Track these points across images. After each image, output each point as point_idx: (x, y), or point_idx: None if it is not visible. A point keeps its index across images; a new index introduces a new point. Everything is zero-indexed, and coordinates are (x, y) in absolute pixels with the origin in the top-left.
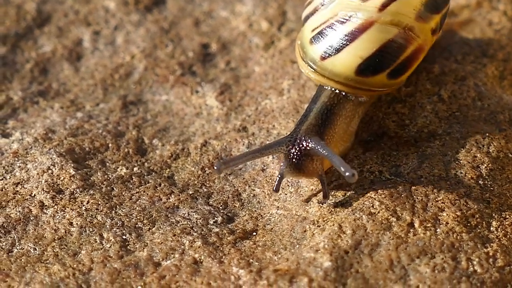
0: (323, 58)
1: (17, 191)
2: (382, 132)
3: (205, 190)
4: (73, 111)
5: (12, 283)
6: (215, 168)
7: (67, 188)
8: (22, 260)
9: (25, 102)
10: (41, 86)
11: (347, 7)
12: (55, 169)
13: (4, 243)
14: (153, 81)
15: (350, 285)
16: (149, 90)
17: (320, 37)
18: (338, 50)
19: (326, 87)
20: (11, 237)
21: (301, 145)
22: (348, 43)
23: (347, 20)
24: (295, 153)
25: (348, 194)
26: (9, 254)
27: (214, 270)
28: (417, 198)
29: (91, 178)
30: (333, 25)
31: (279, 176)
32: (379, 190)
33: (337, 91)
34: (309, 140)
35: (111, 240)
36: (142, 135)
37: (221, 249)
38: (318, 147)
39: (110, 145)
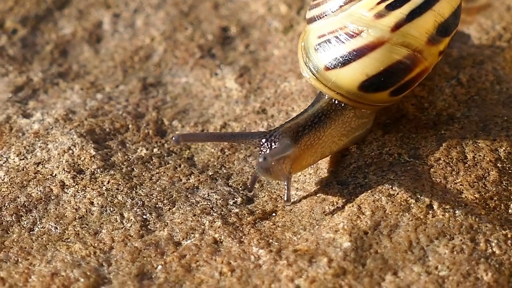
0: (327, 69)
1: (38, 170)
2: (401, 115)
3: (224, 171)
4: (93, 92)
5: (34, 261)
6: (173, 138)
7: (88, 168)
8: (43, 238)
9: (45, 84)
10: (61, 68)
11: (358, 21)
12: (76, 149)
13: (25, 222)
14: (172, 63)
15: (369, 265)
16: (169, 73)
17: (326, 46)
18: (344, 64)
19: (325, 96)
20: (32, 216)
21: (271, 144)
22: (355, 58)
23: (357, 34)
24: (263, 151)
25: (367, 176)
26: (30, 232)
27: (234, 250)
28: (436, 180)
29: (112, 158)
30: (342, 37)
31: (253, 175)
32: (398, 172)
33: (335, 101)
34: (277, 141)
35: (131, 219)
36: (161, 116)
37: (240, 229)
38: (278, 149)
39: (130, 126)
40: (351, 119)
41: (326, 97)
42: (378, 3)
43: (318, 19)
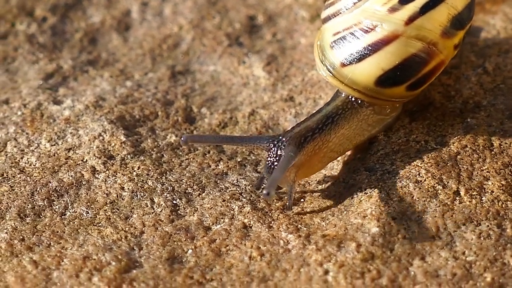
0: (343, 65)
1: (69, 156)
2: (428, 103)
3: (253, 157)
4: (122, 80)
5: (66, 245)
6: (181, 139)
7: (118, 154)
8: (75, 222)
9: (75, 71)
10: (90, 56)
11: (372, 16)
12: (106, 135)
13: (57, 206)
14: (200, 51)
15: (397, 250)
16: (197, 61)
17: (341, 42)
18: (359, 59)
19: (342, 93)
20: (64, 201)
21: (278, 151)
22: (371, 53)
23: (371, 29)
24: (271, 156)
25: (394, 163)
26: (62, 217)
27: (263, 235)
28: (463, 167)
29: (141, 144)
30: (357, 33)
31: (262, 175)
32: (425, 159)
33: (352, 98)
34: (283, 148)
35: (162, 204)
36: (190, 104)
37: (269, 214)
38: (279, 171)
39: (159, 113)
40: (368, 116)
41: (343, 95)
42: None
43: (333, 18)
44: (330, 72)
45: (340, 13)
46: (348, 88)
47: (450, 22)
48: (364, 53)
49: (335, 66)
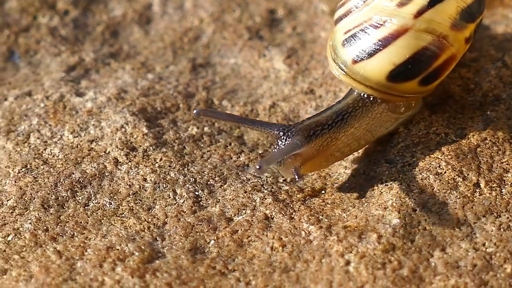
0: (354, 62)
1: (92, 148)
2: (448, 96)
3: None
4: (144, 72)
5: (89, 235)
6: (194, 111)
7: (140, 146)
8: (98, 213)
9: (97, 63)
10: (112, 48)
11: (381, 12)
12: (128, 127)
13: (80, 197)
14: (221, 44)
15: (418, 241)
16: (217, 54)
17: (352, 40)
18: (370, 55)
19: (354, 91)
20: (87, 192)
21: (287, 139)
22: (381, 48)
23: (381, 25)
24: (279, 144)
25: (415, 155)
26: (85, 207)
27: (285, 226)
28: (482, 160)
29: (163, 136)
30: (367, 29)
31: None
32: (445, 151)
33: (365, 95)
34: (291, 137)
35: (184, 195)
36: (211, 96)
37: (291, 206)
38: (284, 145)
39: (181, 105)
40: (381, 114)
41: (355, 93)
42: None
43: (344, 17)
44: (342, 70)
45: (350, 12)
46: (360, 85)
47: (459, 14)
48: (375, 49)
49: (347, 63)
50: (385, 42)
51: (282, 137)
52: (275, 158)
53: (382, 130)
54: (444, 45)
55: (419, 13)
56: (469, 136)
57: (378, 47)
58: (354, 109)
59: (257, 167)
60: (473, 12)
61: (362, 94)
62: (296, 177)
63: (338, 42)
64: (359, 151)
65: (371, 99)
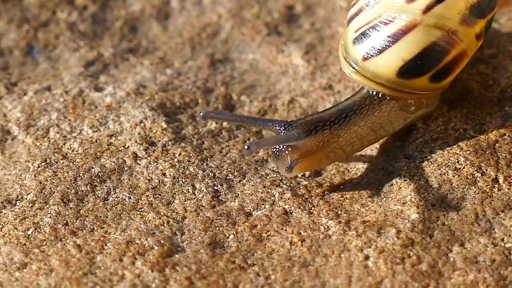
0: (365, 59)
1: (111, 142)
2: (466, 92)
3: None
4: (163, 67)
5: (109, 229)
6: (201, 114)
7: (159, 141)
8: (118, 208)
9: (115, 59)
10: (130, 44)
11: (391, 8)
12: (147, 122)
13: (100, 192)
14: (239, 40)
15: (436, 236)
16: (236, 49)
17: (363, 37)
18: (380, 51)
19: (363, 89)
20: (106, 186)
21: (286, 132)
22: (390, 44)
23: (390, 21)
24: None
25: (433, 150)
26: (105, 202)
27: (304, 221)
28: (501, 155)
29: (182, 131)
30: (377, 26)
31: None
32: (463, 147)
33: (373, 93)
34: (291, 130)
35: (203, 190)
36: (230, 91)
37: (310, 200)
38: (281, 134)
39: (199, 100)
40: (390, 112)
41: (364, 91)
42: None
43: (356, 16)
44: (353, 69)
45: (362, 11)
46: (371, 82)
47: (468, 9)
48: (385, 45)
49: (357, 61)
50: (395, 38)
51: (283, 132)
52: (266, 144)
53: (388, 130)
54: (453, 41)
55: (428, 8)
56: (487, 132)
57: (387, 44)
58: (360, 107)
59: (246, 147)
60: (483, 8)
61: (370, 92)
62: (288, 166)
63: (349, 40)
64: (377, 146)
65: (380, 96)
